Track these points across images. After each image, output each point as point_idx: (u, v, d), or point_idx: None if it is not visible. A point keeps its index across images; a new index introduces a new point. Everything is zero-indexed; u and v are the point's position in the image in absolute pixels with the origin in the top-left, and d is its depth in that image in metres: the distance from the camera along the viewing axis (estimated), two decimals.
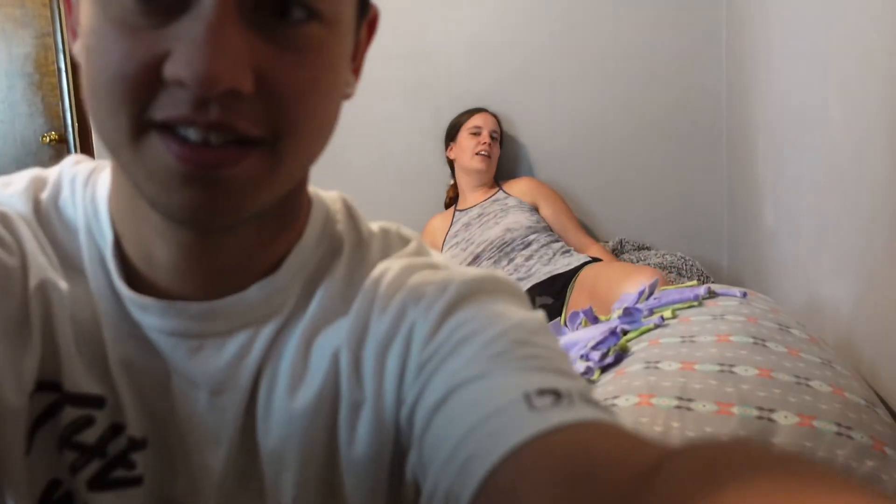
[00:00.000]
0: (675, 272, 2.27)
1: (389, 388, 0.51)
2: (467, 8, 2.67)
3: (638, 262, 2.40)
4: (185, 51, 0.40)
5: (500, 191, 2.52)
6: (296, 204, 0.55)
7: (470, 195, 2.56)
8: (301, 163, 0.49)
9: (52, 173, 0.58)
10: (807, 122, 1.69)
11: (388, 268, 0.55)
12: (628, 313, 1.24)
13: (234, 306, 0.52)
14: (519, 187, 2.51)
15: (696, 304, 1.25)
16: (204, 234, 0.49)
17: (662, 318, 1.21)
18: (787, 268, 1.87)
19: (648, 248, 2.51)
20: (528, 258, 2.27)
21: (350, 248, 0.57)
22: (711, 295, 1.29)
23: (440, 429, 0.45)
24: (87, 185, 0.56)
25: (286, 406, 0.52)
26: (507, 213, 2.41)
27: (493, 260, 2.32)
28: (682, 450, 0.34)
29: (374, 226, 0.62)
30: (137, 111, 0.42)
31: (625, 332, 1.22)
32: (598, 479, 0.36)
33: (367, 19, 0.55)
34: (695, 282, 1.46)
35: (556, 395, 0.43)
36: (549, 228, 2.40)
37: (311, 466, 0.52)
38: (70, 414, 0.51)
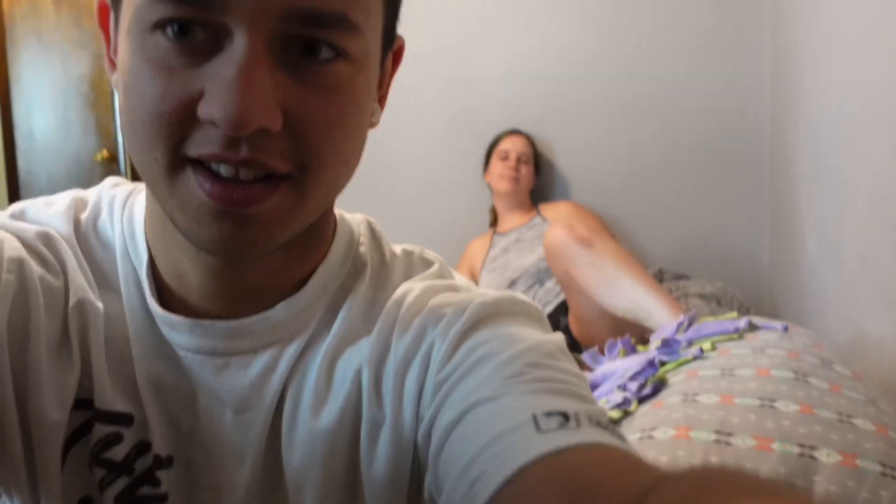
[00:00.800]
0: (714, 302, 2.25)
1: (408, 408, 0.52)
2: (508, 35, 2.71)
3: (676, 291, 2.38)
4: (217, 92, 0.42)
5: (538, 216, 2.53)
6: (322, 228, 0.57)
7: (507, 218, 2.58)
8: (326, 195, 0.51)
9: (91, 194, 0.60)
10: (851, 153, 1.67)
11: (409, 289, 0.57)
12: (667, 344, 1.23)
13: (260, 325, 0.54)
14: (557, 211, 2.52)
15: (736, 336, 1.24)
16: (232, 263, 0.52)
17: (701, 350, 1.21)
18: (830, 300, 1.84)
19: (688, 278, 2.49)
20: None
21: (373, 270, 0.59)
22: (752, 328, 1.28)
23: (453, 449, 0.46)
24: (125, 207, 0.58)
25: (310, 424, 0.53)
26: (542, 239, 2.41)
27: (528, 285, 2.32)
28: (676, 474, 0.35)
29: (398, 248, 0.64)
30: (173, 147, 0.45)
31: (663, 363, 1.21)
32: (595, 500, 0.37)
33: (392, 50, 0.56)
34: (735, 314, 1.45)
35: (564, 417, 0.44)
36: None
37: (333, 484, 0.53)
38: (100, 431, 0.53)
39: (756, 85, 2.49)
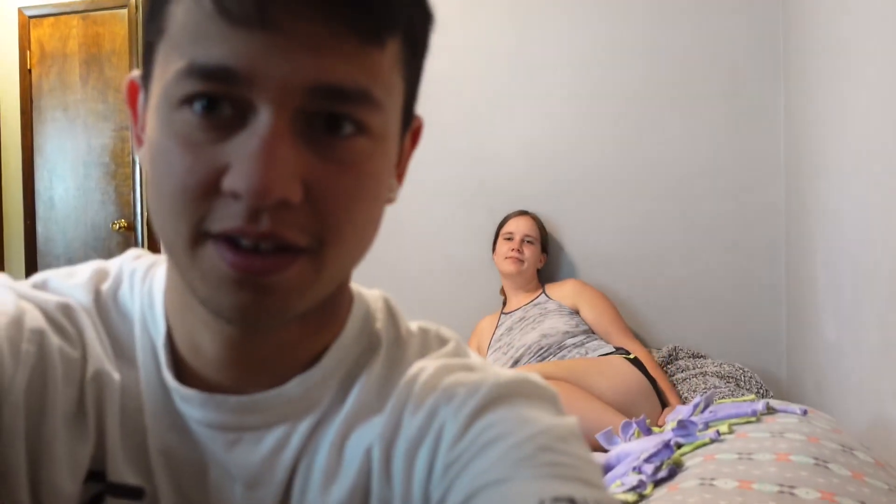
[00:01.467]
0: (732, 383, 2.21)
1: (417, 488, 0.51)
2: (524, 113, 2.76)
3: (693, 369, 2.35)
4: (242, 165, 0.43)
5: (543, 294, 2.52)
6: (338, 301, 0.57)
7: (514, 298, 2.58)
8: (343, 267, 0.51)
9: (113, 266, 0.60)
10: (869, 235, 1.67)
11: (424, 367, 0.56)
12: (683, 426, 1.20)
13: (273, 401, 0.53)
14: (562, 290, 2.52)
15: (753, 419, 1.21)
16: (249, 331, 0.52)
17: (718, 433, 1.18)
18: (850, 383, 1.80)
19: (704, 357, 2.45)
20: (562, 359, 2.26)
21: (388, 346, 0.58)
22: (770, 411, 1.25)
23: None
24: (146, 279, 0.58)
25: (320, 501, 0.52)
26: (546, 317, 2.41)
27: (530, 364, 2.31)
28: None
29: (414, 325, 0.63)
30: (196, 222, 0.45)
31: (679, 446, 1.18)
32: None
33: (411, 129, 0.56)
34: (752, 396, 1.42)
35: (572, 503, 0.43)
36: (589, 331, 2.37)
37: None
38: None
39: (771, 167, 2.51)
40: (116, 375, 0.54)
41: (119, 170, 4.17)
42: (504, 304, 2.64)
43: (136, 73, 0.52)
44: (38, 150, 4.34)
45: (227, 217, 0.44)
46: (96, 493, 0.52)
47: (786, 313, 2.49)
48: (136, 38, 4.03)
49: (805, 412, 1.25)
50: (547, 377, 1.94)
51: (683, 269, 2.60)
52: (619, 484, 1.14)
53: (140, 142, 0.52)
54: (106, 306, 0.57)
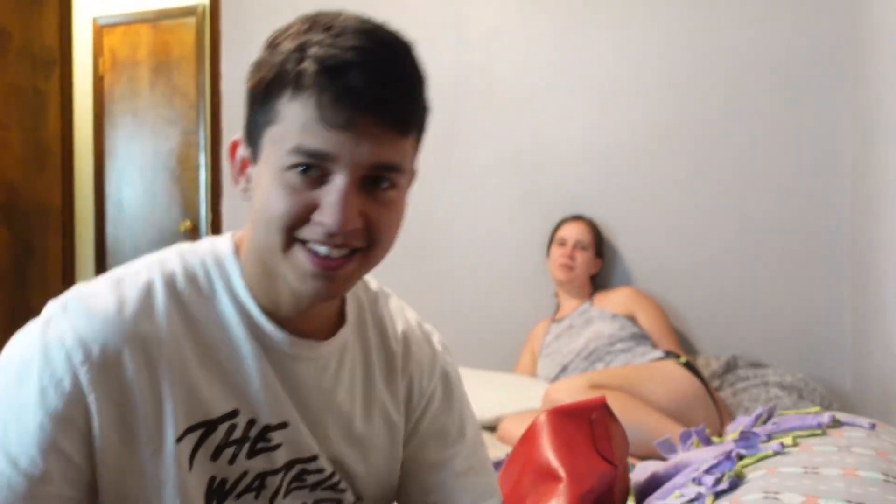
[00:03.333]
0: (795, 394, 2.16)
1: (401, 405, 0.97)
2: (580, 118, 2.74)
3: (754, 379, 2.30)
4: (327, 209, 0.73)
5: (588, 302, 2.50)
6: None
7: (566, 304, 2.56)
8: (377, 263, 0.81)
9: (174, 265, 0.83)
10: None
11: (394, 315, 1.00)
12: (745, 437, 1.18)
13: (333, 343, 0.88)
14: (614, 298, 2.49)
15: (818, 432, 1.18)
16: (317, 303, 0.82)
17: (782, 445, 1.15)
18: None
19: (766, 366, 2.40)
20: (609, 363, 2.23)
21: (369, 304, 0.97)
22: (836, 424, 1.22)
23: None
24: (220, 274, 0.84)
25: (373, 392, 0.95)
26: (590, 324, 2.39)
27: (579, 370, 2.29)
28: None
29: (373, 284, 1.01)
30: (291, 234, 0.75)
31: (741, 457, 1.16)
32: None
33: (413, 176, 0.87)
34: (817, 408, 1.38)
35: None
36: (637, 336, 2.34)
37: (380, 424, 0.95)
38: (220, 430, 0.80)
39: (837, 171, 2.44)
40: (192, 352, 0.79)
41: (185, 173, 4.29)
42: (556, 310, 2.63)
43: (240, 136, 0.81)
44: (109, 155, 4.50)
45: (314, 233, 0.74)
46: (202, 433, 0.78)
47: (851, 322, 2.42)
48: (203, 45, 4.14)
49: (873, 426, 1.21)
50: (600, 387, 1.92)
51: (742, 275, 2.54)
52: (679, 495, 1.12)
53: (237, 181, 0.82)
54: (186, 300, 0.81)
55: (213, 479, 0.80)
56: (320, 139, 0.71)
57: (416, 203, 2.94)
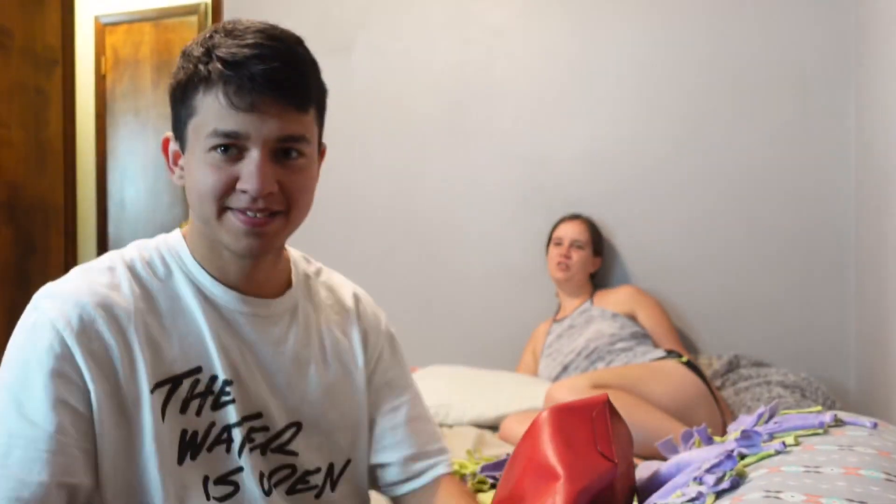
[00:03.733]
0: (798, 393, 2.15)
1: (359, 350, 1.09)
2: (583, 118, 2.73)
3: (757, 378, 2.29)
4: (246, 177, 0.86)
5: (589, 301, 2.50)
6: (284, 251, 1.05)
7: (566, 304, 2.56)
8: (299, 223, 0.95)
9: (133, 253, 0.98)
10: None
11: (342, 281, 1.15)
12: (746, 436, 1.17)
13: (282, 301, 1.01)
14: (616, 296, 2.48)
15: (820, 431, 1.18)
16: (253, 261, 0.95)
17: (784, 444, 1.14)
18: None
19: (768, 366, 2.39)
20: (610, 363, 2.23)
21: (314, 274, 1.11)
22: (838, 423, 1.21)
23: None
24: (170, 251, 0.97)
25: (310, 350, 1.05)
26: (591, 323, 2.39)
27: (580, 369, 2.29)
28: None
29: (316, 263, 1.14)
30: (222, 203, 0.89)
31: (742, 457, 1.15)
32: None
33: (321, 151, 1.01)
34: (819, 407, 1.38)
35: None
36: (638, 335, 2.34)
37: (332, 371, 1.06)
38: (185, 385, 0.90)
39: (841, 171, 2.43)
40: (164, 306, 0.93)
41: None
42: (558, 310, 2.62)
43: (170, 134, 0.95)
44: (111, 153, 4.50)
45: (241, 201, 0.88)
46: (169, 388, 0.89)
47: (855, 322, 2.41)
48: None
49: (875, 425, 1.21)
50: (602, 386, 1.92)
51: (745, 273, 2.54)
52: (680, 494, 1.12)
53: (172, 171, 0.96)
54: (149, 289, 0.94)
55: (185, 431, 0.90)
56: (232, 122, 0.85)
57: (418, 201, 2.96)
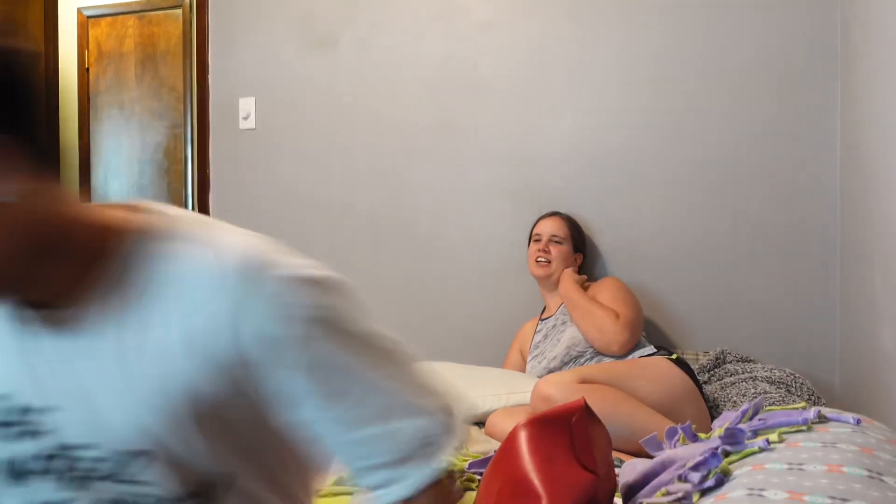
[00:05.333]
0: (783, 388, 2.16)
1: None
2: (572, 113, 2.73)
3: (743, 374, 2.30)
4: None
5: None
6: None
7: (550, 301, 2.55)
8: None
9: None
10: None
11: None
12: (731, 434, 1.18)
13: (74, 309, 0.85)
14: (596, 290, 2.45)
15: (804, 428, 1.18)
16: None
17: (768, 442, 1.15)
18: None
19: (754, 361, 2.41)
20: (599, 360, 2.23)
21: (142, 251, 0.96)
22: (821, 419, 1.22)
23: None
24: None
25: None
26: (568, 325, 2.36)
27: (567, 367, 2.28)
28: None
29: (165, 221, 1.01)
30: None
31: (727, 454, 1.16)
32: None
33: None
34: (803, 403, 1.39)
35: None
36: None
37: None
38: None
39: (826, 168, 2.45)
40: None
41: (172, 166, 4.25)
42: (544, 308, 2.62)
43: None
44: (95, 148, 4.46)
45: None
46: None
47: (840, 318, 2.43)
48: (191, 37, 4.10)
49: (858, 421, 1.21)
50: (588, 381, 1.92)
51: (731, 269, 2.55)
52: (665, 492, 1.12)
53: None
54: None
55: (9, 460, 0.86)
56: None
57: (404, 197, 2.96)
